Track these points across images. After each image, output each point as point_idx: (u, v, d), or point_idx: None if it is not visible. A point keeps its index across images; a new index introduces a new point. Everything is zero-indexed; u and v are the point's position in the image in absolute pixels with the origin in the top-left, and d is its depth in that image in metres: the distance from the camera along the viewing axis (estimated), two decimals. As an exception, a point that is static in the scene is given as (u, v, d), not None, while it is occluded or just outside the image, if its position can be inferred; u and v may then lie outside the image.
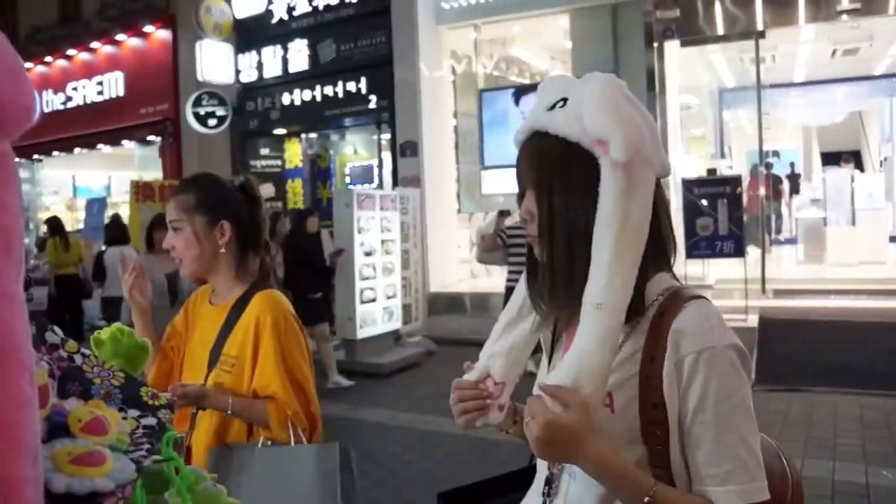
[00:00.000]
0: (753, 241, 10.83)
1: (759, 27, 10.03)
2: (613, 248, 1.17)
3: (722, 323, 1.21)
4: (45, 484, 0.65)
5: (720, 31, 10.18)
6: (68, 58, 17.23)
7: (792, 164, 17.78)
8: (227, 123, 13.22)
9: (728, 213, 8.98)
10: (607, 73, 1.25)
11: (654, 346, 1.19)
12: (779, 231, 15.52)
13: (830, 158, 15.85)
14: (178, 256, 2.15)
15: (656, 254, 1.27)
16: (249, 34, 13.30)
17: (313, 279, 7.85)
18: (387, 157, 12.58)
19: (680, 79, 11.44)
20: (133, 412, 0.87)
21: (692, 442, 1.16)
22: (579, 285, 1.20)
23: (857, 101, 16.68)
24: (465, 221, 12.44)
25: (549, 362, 1.40)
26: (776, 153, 17.71)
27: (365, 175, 13.87)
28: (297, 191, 13.99)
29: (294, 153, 14.02)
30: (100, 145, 16.68)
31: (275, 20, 12.97)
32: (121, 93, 16.16)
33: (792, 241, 14.55)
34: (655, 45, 9.94)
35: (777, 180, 15.43)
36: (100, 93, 16.59)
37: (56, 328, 0.87)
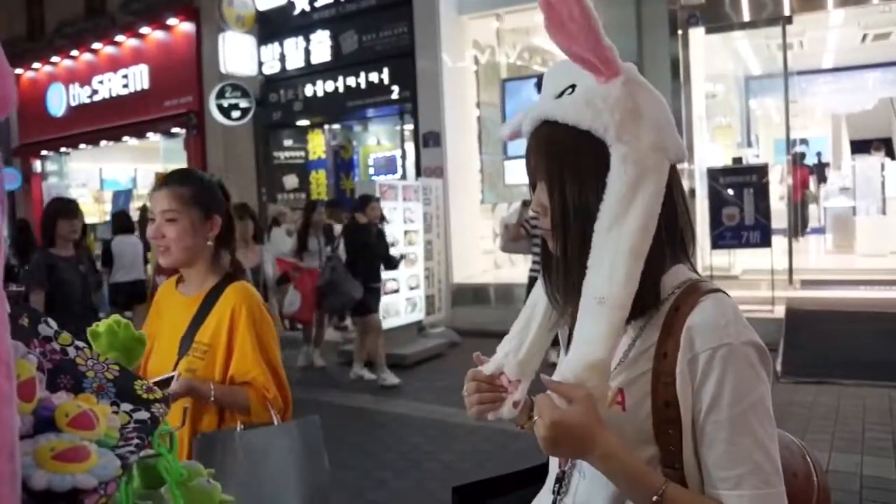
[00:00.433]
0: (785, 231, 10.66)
1: (786, 12, 9.85)
2: (618, 238, 1.13)
3: (740, 318, 1.16)
4: (25, 480, 0.64)
5: (746, 17, 10.02)
6: (94, 51, 17.37)
7: (819, 154, 17.50)
8: (250, 115, 13.27)
9: (754, 203, 8.86)
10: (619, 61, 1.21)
11: (668, 341, 1.15)
12: (805, 221, 15.32)
13: (860, 146, 15.58)
14: (166, 245, 2.22)
15: (673, 245, 1.23)
16: (272, 26, 13.33)
17: (373, 268, 7.78)
18: (410, 147, 12.57)
19: (705, 67, 11.30)
20: (126, 406, 0.85)
21: (705, 442, 1.12)
22: None
23: (888, 88, 16.35)
24: (489, 212, 12.40)
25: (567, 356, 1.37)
26: (804, 141, 17.45)
27: (388, 166, 13.87)
28: (320, 182, 14.03)
29: (317, 144, 14.05)
30: (125, 138, 16.83)
31: (297, 11, 12.98)
32: (146, 86, 16.27)
33: (820, 230, 14.35)
34: (680, 32, 9.81)
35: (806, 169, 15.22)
36: (125, 86, 16.71)
37: (50, 320, 0.86)
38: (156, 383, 1.86)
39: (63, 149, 18.79)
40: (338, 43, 12.55)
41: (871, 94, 16.82)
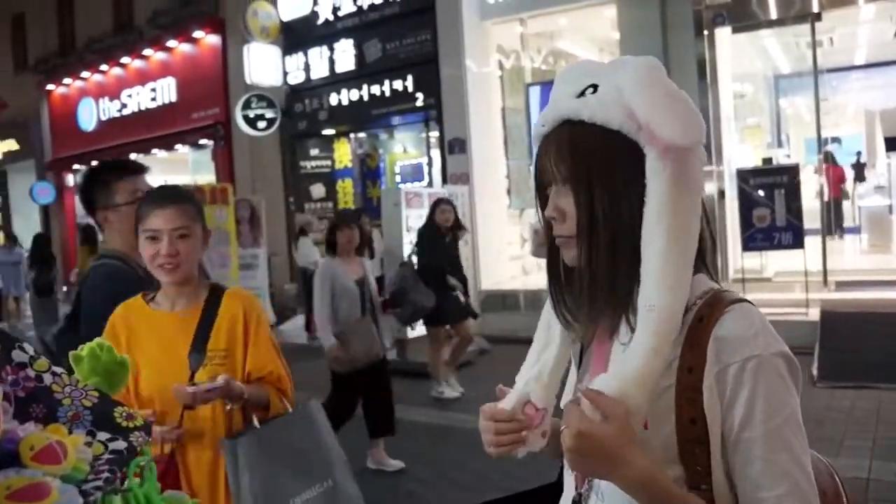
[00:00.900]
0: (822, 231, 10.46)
1: (815, 9, 9.67)
2: (665, 245, 1.08)
3: (768, 328, 1.10)
4: None
5: (773, 15, 9.85)
6: (123, 66, 17.59)
7: (858, 154, 17.16)
8: (276, 125, 13.33)
9: (786, 203, 8.70)
10: (642, 56, 1.15)
11: (693, 355, 1.08)
12: (840, 221, 15.04)
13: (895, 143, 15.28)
14: (177, 263, 2.21)
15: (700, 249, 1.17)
16: (296, 36, 13.39)
17: (448, 274, 7.25)
18: (436, 154, 12.54)
19: (732, 66, 11.14)
20: (103, 435, 0.82)
21: (739, 461, 1.06)
22: (622, 292, 1.11)
23: (922, 83, 16.05)
24: (516, 218, 12.33)
25: (578, 376, 1.30)
26: (837, 140, 17.15)
27: (415, 173, 13.85)
28: (347, 190, 14.06)
29: (343, 153, 14.08)
30: (154, 150, 16.99)
31: (320, 21, 13.04)
32: (173, 98, 16.43)
33: (855, 230, 14.07)
34: (706, 32, 9.67)
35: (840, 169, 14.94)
36: (153, 99, 16.89)
37: (26, 345, 0.83)
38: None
39: (94, 162, 18.98)
40: (361, 51, 12.57)
41: (905, 90, 16.51)
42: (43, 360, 0.84)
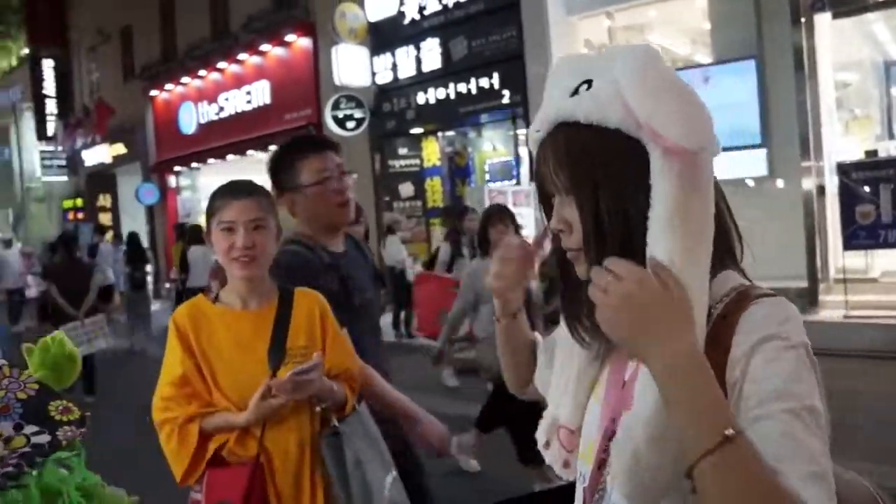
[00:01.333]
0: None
1: (927, -10, 9.07)
2: (673, 250, 0.98)
3: (798, 321, 1.01)
4: None
5: (879, -2, 9.30)
6: (220, 70, 18.15)
7: None
8: (364, 125, 13.48)
9: (892, 199, 8.19)
10: (638, 44, 1.05)
11: (716, 353, 0.99)
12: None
13: None
14: (252, 255, 2.14)
15: (718, 248, 1.06)
16: (383, 36, 13.49)
17: None
18: (524, 151, 12.41)
19: (834, 55, 10.56)
20: (30, 428, 0.84)
21: (756, 438, 0.93)
22: None
23: None
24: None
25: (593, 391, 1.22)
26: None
27: (504, 171, 13.73)
28: (435, 189, 14.10)
29: (432, 152, 14.12)
30: (249, 151, 17.47)
31: (407, 21, 13.09)
32: (267, 101, 16.85)
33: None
34: (803, 20, 9.18)
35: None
36: (248, 102, 17.38)
37: None
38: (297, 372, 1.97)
39: (194, 164, 19.73)
40: (448, 50, 12.56)
41: None
42: None
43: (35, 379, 0.89)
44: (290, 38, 15.84)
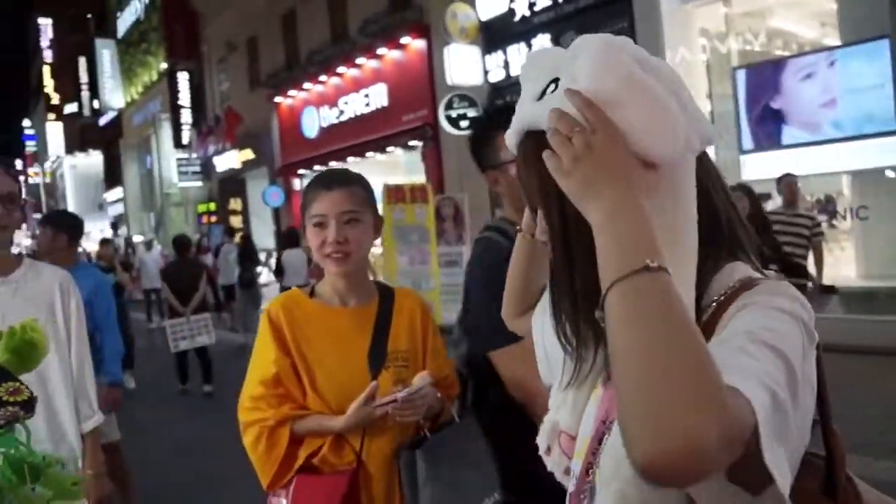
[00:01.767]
0: None
1: None
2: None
3: (801, 301, 0.92)
4: None
5: None
6: (339, 75, 18.61)
7: None
8: (478, 124, 13.46)
9: None
10: (598, 36, 0.96)
11: (707, 337, 0.89)
12: None
13: None
14: (346, 251, 2.00)
15: (719, 243, 1.01)
16: (495, 34, 13.47)
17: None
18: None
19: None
20: None
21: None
22: None
23: None
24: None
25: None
26: None
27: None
28: (551, 186, 13.93)
29: (546, 149, 13.96)
30: (368, 153, 17.84)
31: (517, 18, 13.01)
32: (385, 103, 17.16)
33: None
34: (941, -6, 8.50)
35: None
36: (367, 104, 17.75)
37: None
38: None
39: (316, 166, 20.32)
40: (559, 45, 12.28)
41: None
42: None
43: None
44: (404, 40, 16.07)
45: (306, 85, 19.88)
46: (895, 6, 8.67)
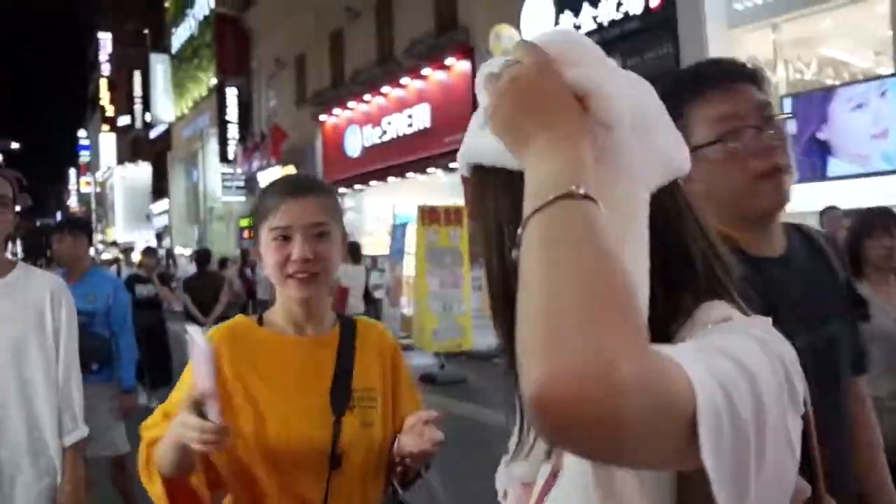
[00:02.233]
0: None
1: None
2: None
3: (773, 335, 0.77)
4: None
5: None
6: (383, 95, 18.67)
7: None
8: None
9: None
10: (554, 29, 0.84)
11: None
12: None
13: None
14: (314, 270, 1.69)
15: (689, 276, 0.86)
16: (539, 57, 13.34)
17: None
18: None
19: None
20: None
21: None
22: None
23: None
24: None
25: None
26: None
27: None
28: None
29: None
30: (409, 174, 17.81)
31: (562, 41, 12.88)
32: (427, 124, 17.13)
33: None
34: None
35: None
36: (409, 125, 17.74)
37: None
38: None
39: (357, 186, 20.36)
40: (603, 69, 12.24)
41: None
42: None
43: None
44: (449, 61, 16.04)
45: (351, 104, 19.97)
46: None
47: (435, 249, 10.22)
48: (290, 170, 24.05)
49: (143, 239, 34.99)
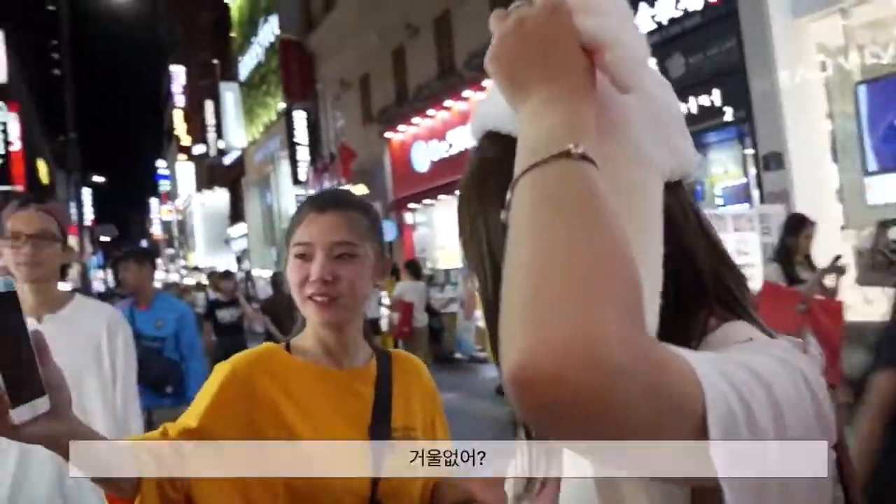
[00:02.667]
0: None
1: None
2: None
3: (802, 360, 0.69)
4: None
5: None
6: (447, 109, 18.71)
7: None
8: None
9: None
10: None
11: None
12: None
13: None
14: (334, 294, 1.54)
15: (698, 296, 0.79)
16: (599, 61, 13.16)
17: None
18: (754, 173, 11.50)
19: None
20: None
21: None
22: None
23: None
24: (852, 237, 10.80)
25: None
26: None
27: (737, 194, 12.79)
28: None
29: (656, 176, 13.48)
30: (474, 187, 17.76)
31: (622, 43, 12.67)
32: (490, 135, 17.05)
33: None
34: None
35: None
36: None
37: None
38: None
39: (426, 201, 20.44)
40: (665, 68, 11.94)
41: None
42: None
43: None
44: (509, 71, 15.96)
45: (415, 119, 20.08)
46: None
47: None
48: (361, 188, 24.35)
49: (223, 263, 35.85)
